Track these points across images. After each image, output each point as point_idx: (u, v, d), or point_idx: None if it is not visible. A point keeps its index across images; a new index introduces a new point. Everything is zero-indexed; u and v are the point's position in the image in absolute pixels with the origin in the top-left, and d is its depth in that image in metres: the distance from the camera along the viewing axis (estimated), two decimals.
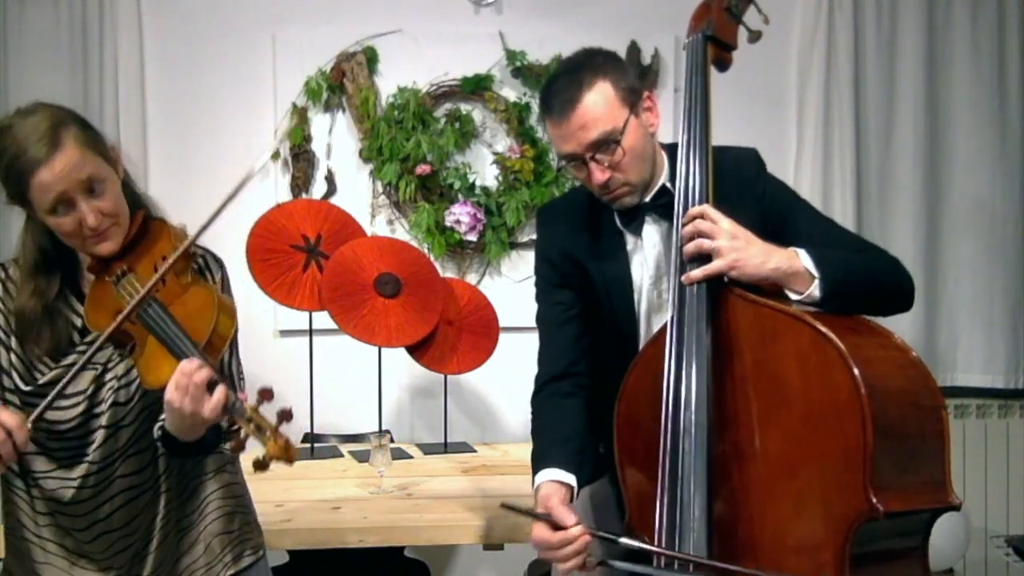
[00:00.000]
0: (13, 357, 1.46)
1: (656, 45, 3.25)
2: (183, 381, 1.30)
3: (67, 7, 3.08)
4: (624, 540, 1.40)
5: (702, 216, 1.46)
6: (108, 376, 1.47)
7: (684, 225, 1.48)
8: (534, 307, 1.88)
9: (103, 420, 1.47)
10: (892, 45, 3.32)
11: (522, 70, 3.20)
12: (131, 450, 1.49)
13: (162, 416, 1.39)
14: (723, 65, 1.63)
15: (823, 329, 1.31)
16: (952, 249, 3.36)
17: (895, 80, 3.32)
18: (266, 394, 1.31)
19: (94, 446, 1.47)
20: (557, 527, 1.46)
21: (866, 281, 1.53)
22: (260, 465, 1.29)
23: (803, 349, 1.33)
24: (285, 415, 1.29)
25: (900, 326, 1.47)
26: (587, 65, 1.61)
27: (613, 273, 1.70)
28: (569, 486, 1.57)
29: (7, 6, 3.07)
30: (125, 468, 1.49)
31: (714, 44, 1.60)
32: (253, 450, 1.30)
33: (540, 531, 1.48)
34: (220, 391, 1.29)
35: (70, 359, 1.46)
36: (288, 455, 1.28)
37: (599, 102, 1.57)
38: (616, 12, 3.25)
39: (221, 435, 1.43)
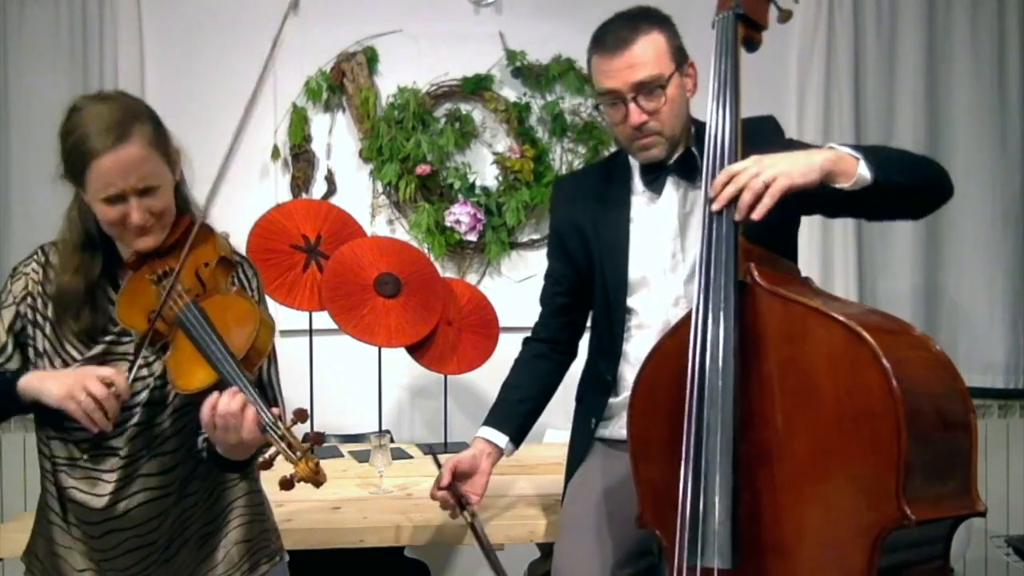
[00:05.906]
0: (47, 344, 1.44)
1: None
2: (221, 422, 1.29)
3: (67, 7, 3.08)
4: (468, 512, 1.78)
5: (730, 175, 1.40)
6: (144, 372, 1.45)
7: (714, 190, 1.42)
8: (534, 307, 1.91)
9: (136, 418, 1.45)
10: (892, 45, 3.31)
11: (522, 70, 3.20)
12: (156, 451, 1.47)
13: (202, 432, 1.38)
14: (752, 45, 1.57)
15: (855, 327, 1.25)
16: (952, 249, 3.35)
17: (895, 80, 3.31)
18: (301, 415, 1.31)
19: (122, 441, 1.45)
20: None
21: (905, 162, 1.53)
22: (286, 484, 1.29)
23: (834, 348, 1.27)
24: (316, 438, 1.30)
25: None
26: (645, 15, 1.71)
27: (609, 240, 1.78)
28: (498, 447, 1.85)
29: (7, 6, 3.07)
30: (148, 468, 1.47)
31: (744, 23, 1.53)
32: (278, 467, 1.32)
33: (435, 482, 1.81)
34: (251, 413, 1.29)
35: (98, 348, 1.44)
36: (317, 478, 1.28)
37: (651, 47, 1.65)
38: (616, 12, 3.24)
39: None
